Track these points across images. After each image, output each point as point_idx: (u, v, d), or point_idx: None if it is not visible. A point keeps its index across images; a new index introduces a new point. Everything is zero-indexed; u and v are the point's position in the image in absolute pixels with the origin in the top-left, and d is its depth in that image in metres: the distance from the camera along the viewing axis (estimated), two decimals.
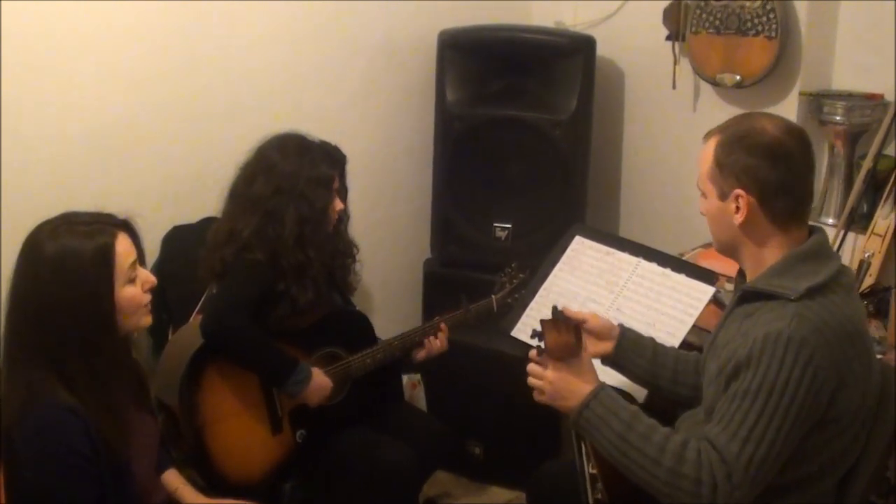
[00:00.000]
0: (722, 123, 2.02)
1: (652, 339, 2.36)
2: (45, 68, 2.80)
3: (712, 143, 1.98)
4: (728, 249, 2.05)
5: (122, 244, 1.98)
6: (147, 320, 2.07)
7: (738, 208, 1.94)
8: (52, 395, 1.88)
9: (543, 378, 1.97)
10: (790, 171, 1.92)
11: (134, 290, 2.00)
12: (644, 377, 2.32)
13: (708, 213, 2.03)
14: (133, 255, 2.00)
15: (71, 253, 1.91)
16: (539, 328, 1.96)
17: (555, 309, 2.06)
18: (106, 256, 1.94)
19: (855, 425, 1.90)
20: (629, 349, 2.31)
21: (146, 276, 2.05)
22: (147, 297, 2.05)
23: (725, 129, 1.99)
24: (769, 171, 1.91)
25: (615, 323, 2.36)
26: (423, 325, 2.93)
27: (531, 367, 2.00)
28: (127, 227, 2.03)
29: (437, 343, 2.88)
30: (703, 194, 2.02)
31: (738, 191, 1.92)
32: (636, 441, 1.85)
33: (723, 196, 1.96)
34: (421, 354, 2.89)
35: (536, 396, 2.00)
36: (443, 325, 2.90)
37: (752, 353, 1.81)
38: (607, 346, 2.31)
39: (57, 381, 1.89)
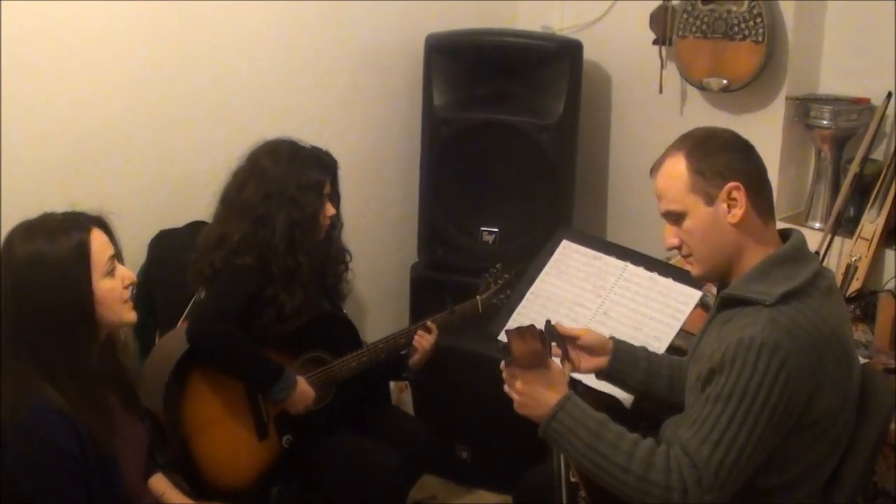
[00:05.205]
0: (670, 147, 2.00)
1: (645, 349, 2.34)
2: (31, 71, 2.78)
3: (680, 160, 1.96)
4: (719, 262, 1.99)
5: (98, 238, 1.99)
6: (131, 316, 2.07)
7: (729, 206, 1.93)
8: (38, 394, 1.88)
9: (513, 388, 1.95)
10: (759, 161, 1.99)
11: (113, 282, 2.01)
12: (640, 389, 2.31)
13: (695, 231, 1.97)
14: (111, 250, 2.02)
15: (47, 250, 1.92)
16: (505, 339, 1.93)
17: (548, 324, 2.04)
18: (81, 249, 1.95)
19: (836, 428, 1.91)
20: (624, 362, 2.29)
21: (125, 272, 2.05)
22: (127, 293, 2.06)
23: (682, 144, 1.99)
24: (746, 162, 1.96)
25: (607, 331, 2.35)
26: (409, 327, 2.93)
27: (504, 376, 1.98)
28: (100, 223, 2.04)
29: (424, 341, 2.88)
30: (682, 214, 1.97)
31: (731, 183, 1.92)
32: (604, 449, 1.84)
33: (710, 200, 1.94)
34: (415, 359, 2.90)
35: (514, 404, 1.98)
36: (431, 325, 2.90)
37: (725, 358, 1.82)
38: (601, 361, 2.28)
39: (43, 378, 1.89)
